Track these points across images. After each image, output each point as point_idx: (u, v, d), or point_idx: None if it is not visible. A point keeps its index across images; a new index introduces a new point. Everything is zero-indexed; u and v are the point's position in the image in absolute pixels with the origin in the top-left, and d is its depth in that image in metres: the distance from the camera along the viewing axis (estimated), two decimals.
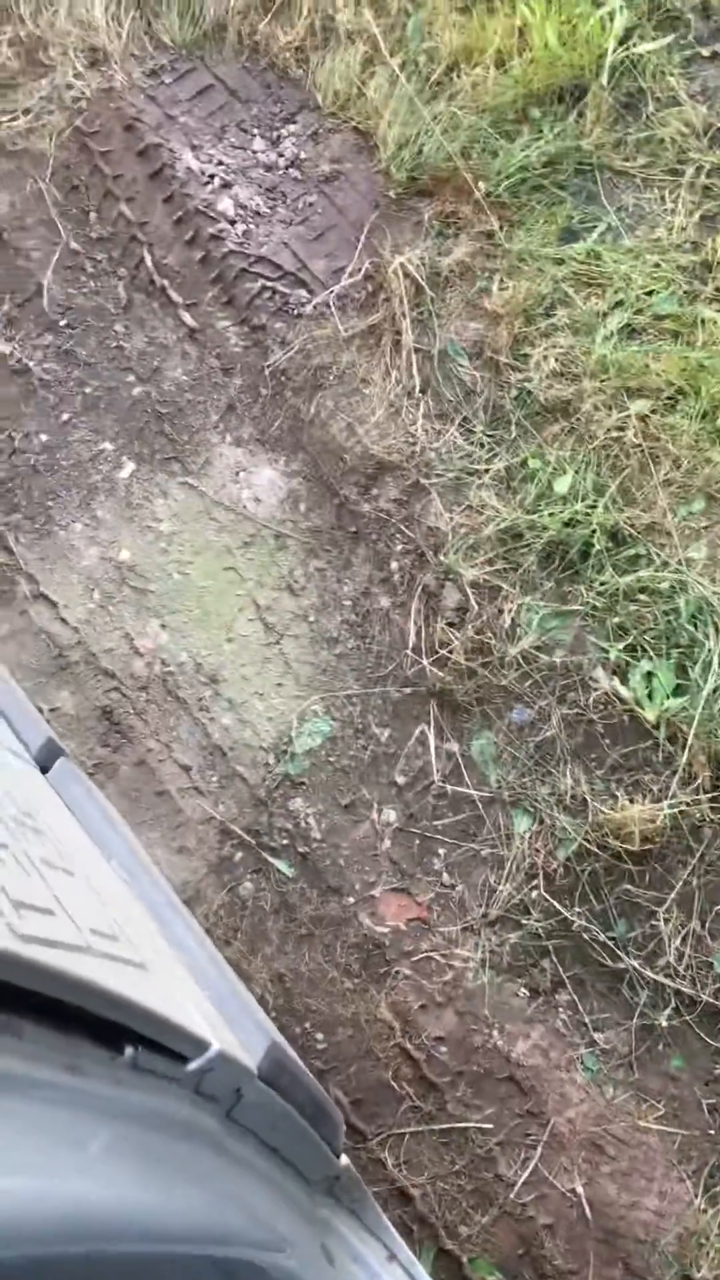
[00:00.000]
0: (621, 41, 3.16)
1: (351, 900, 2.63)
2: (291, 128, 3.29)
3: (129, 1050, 1.10)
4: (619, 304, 2.97)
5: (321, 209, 3.19)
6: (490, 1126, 2.44)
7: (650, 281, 2.98)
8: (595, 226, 3.07)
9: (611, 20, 3.15)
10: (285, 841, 2.68)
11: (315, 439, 3.00)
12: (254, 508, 2.98)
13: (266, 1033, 1.41)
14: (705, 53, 3.21)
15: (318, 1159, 1.63)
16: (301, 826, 2.69)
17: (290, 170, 3.24)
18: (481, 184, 3.08)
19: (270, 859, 2.67)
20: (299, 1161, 1.60)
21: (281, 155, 3.25)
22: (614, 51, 3.13)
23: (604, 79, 3.12)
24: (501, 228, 3.08)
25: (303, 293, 3.11)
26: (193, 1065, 1.21)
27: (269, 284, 3.11)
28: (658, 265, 2.99)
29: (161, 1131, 1.18)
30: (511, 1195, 2.38)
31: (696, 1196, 2.37)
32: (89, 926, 1.10)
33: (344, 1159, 1.70)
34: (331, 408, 3.01)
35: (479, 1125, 2.44)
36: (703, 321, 2.92)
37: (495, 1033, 2.50)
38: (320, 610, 2.88)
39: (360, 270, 3.09)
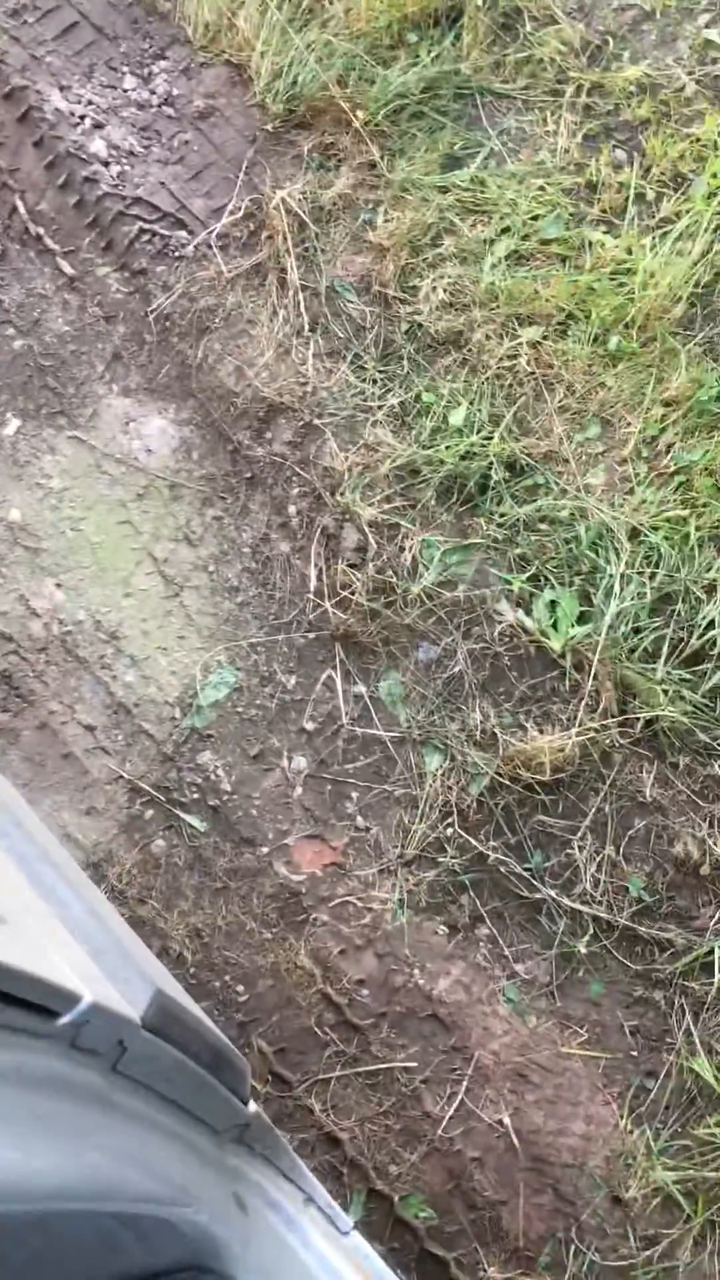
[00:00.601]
0: None
1: (266, 850, 2.59)
2: (162, 64, 3.18)
3: None
4: (505, 230, 2.92)
5: (198, 146, 3.09)
6: (415, 1065, 2.43)
7: (535, 206, 2.93)
8: (478, 152, 3.01)
9: None
10: (196, 796, 2.64)
11: (204, 384, 2.92)
12: (146, 459, 2.90)
13: (150, 981, 1.36)
14: None
15: (222, 1108, 1.59)
16: (211, 779, 2.65)
17: (164, 108, 3.13)
18: (360, 113, 3.00)
19: (181, 814, 2.62)
20: (202, 1111, 1.56)
21: (154, 92, 3.14)
22: None
23: None
24: (383, 157, 3.00)
25: (183, 234, 3.02)
26: (64, 1019, 1.16)
27: (147, 226, 3.01)
28: (542, 189, 2.94)
29: (32, 1089, 1.14)
30: (439, 1131, 2.38)
31: (622, 1118, 2.38)
32: None
33: (253, 1106, 1.67)
34: (219, 351, 2.93)
35: (404, 1064, 2.43)
36: (590, 244, 2.88)
37: (416, 972, 2.49)
38: (219, 559, 2.82)
39: (240, 208, 3.00)
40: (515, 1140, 2.37)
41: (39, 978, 1.11)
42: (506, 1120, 2.38)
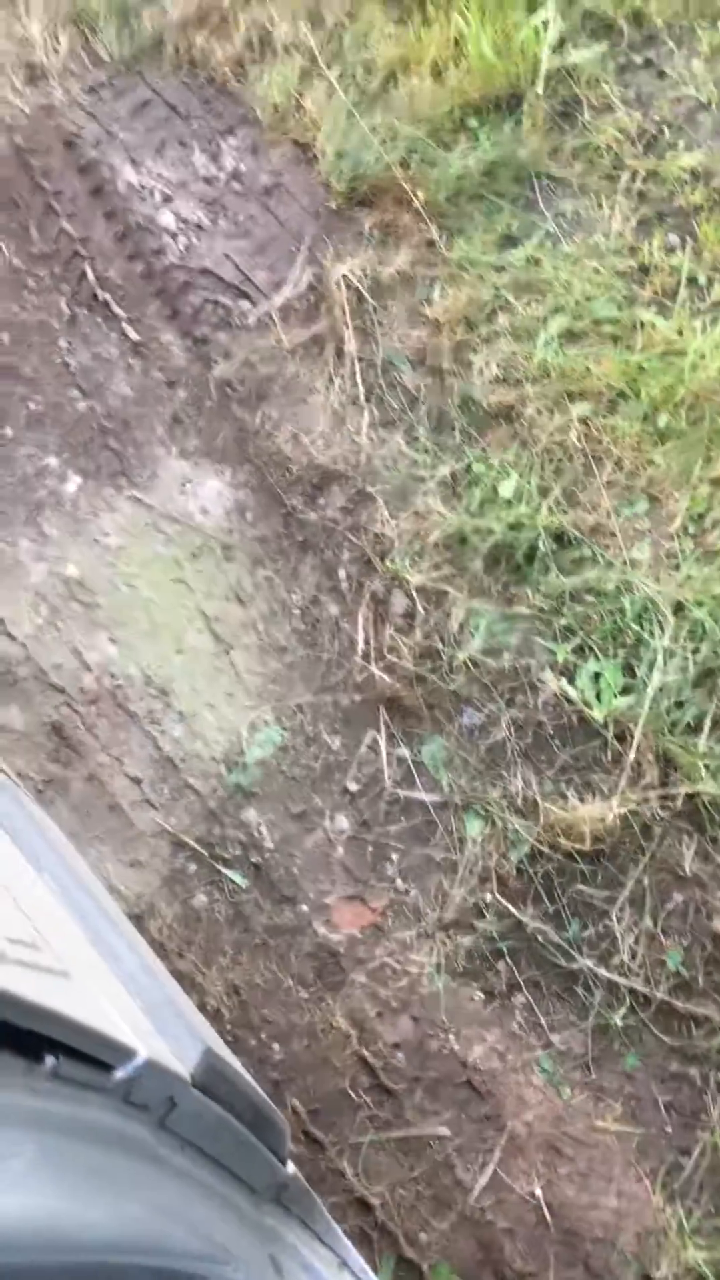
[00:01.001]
0: (555, 50, 3.19)
1: (306, 909, 2.62)
2: (231, 141, 3.31)
3: (49, 1059, 1.09)
4: (559, 309, 3.00)
5: (263, 221, 3.21)
6: (448, 1132, 2.43)
7: (589, 287, 3.00)
8: (534, 233, 3.09)
9: (545, 29, 3.18)
10: (238, 852, 2.68)
11: (261, 449, 3.00)
12: (201, 519, 2.97)
13: (201, 1039, 1.40)
14: (638, 60, 3.25)
15: (262, 1167, 1.62)
16: (254, 836, 2.69)
17: (231, 183, 3.25)
18: (420, 193, 3.10)
19: (223, 870, 2.66)
20: (242, 1170, 1.59)
21: (222, 169, 3.26)
22: (548, 60, 3.16)
23: (539, 87, 3.16)
24: (441, 236, 3.10)
25: (245, 304, 3.12)
26: (119, 1074, 1.20)
27: (211, 296, 3.12)
28: (596, 270, 3.02)
29: (88, 1141, 1.17)
30: (470, 1200, 2.38)
31: (655, 1194, 2.37)
32: (5, 935, 1.09)
33: (290, 1167, 1.69)
34: (276, 418, 3.02)
35: (437, 1131, 2.43)
36: (641, 325, 2.95)
37: (452, 1037, 2.50)
38: (269, 619, 2.88)
39: (302, 281, 3.10)
40: (547, 1213, 2.36)
41: (98, 1032, 1.15)
42: (538, 1192, 2.37)
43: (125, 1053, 1.20)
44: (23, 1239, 0.96)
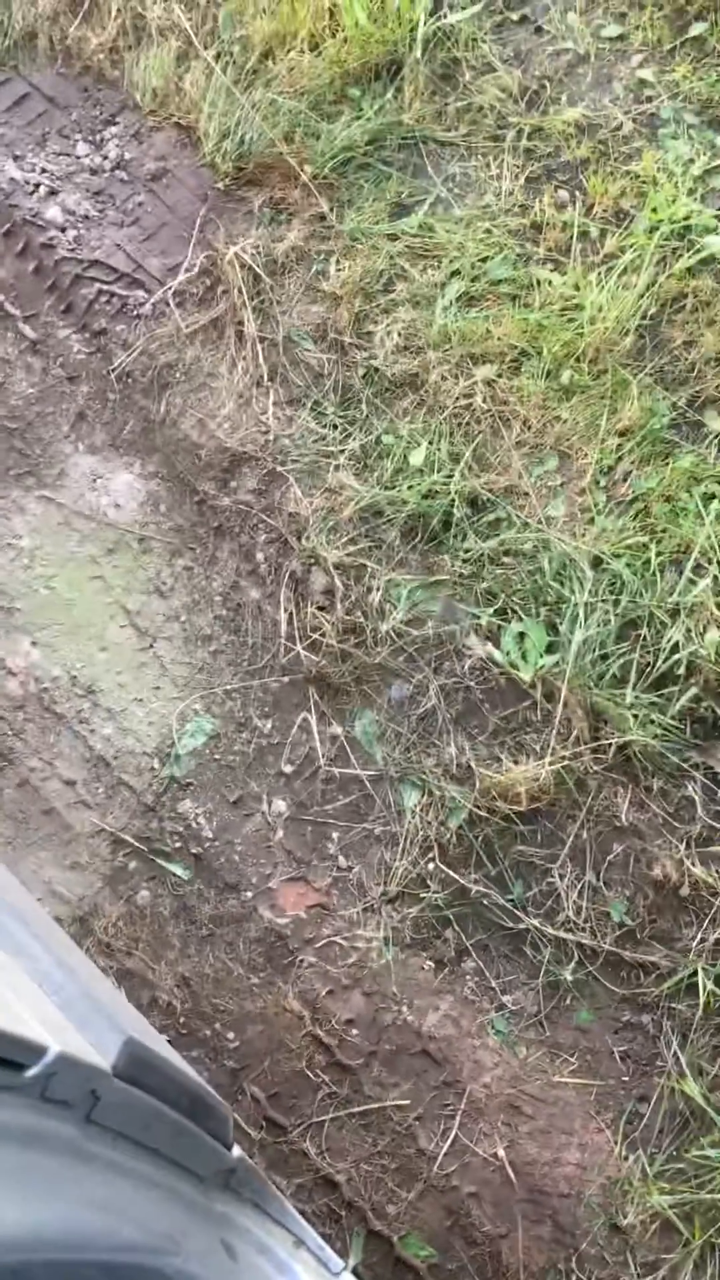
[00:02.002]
0: (431, 13, 3.17)
1: (250, 895, 2.61)
2: (113, 129, 3.26)
3: None
4: (455, 273, 2.98)
5: (151, 207, 3.16)
6: (408, 1103, 2.43)
7: (483, 248, 2.99)
8: (424, 199, 3.08)
9: None
10: (178, 844, 2.65)
11: (168, 438, 2.97)
12: (114, 514, 2.94)
13: (122, 1029, 1.38)
14: (515, 17, 3.24)
15: (205, 1154, 1.60)
16: (193, 827, 2.67)
17: (116, 172, 3.20)
18: (307, 167, 3.07)
19: (164, 864, 2.64)
20: (184, 1159, 1.57)
21: (106, 158, 3.21)
22: (425, 24, 3.13)
23: (418, 52, 3.13)
24: (332, 209, 3.07)
25: (140, 293, 3.08)
26: (31, 1071, 1.18)
27: (105, 287, 3.07)
28: (489, 231, 3.01)
29: (3, 1142, 1.15)
30: (435, 1168, 2.38)
31: (616, 1145, 2.39)
32: None
33: (237, 1150, 1.68)
34: (181, 405, 2.98)
35: (396, 1103, 2.43)
36: (538, 282, 2.94)
37: (404, 1008, 2.50)
38: (191, 609, 2.85)
39: (195, 265, 3.07)
40: (511, 1173, 2.37)
41: (2, 1031, 1.13)
42: (501, 1153, 2.38)
43: (35, 1050, 1.18)
44: None
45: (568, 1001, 2.50)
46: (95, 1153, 1.33)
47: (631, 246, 2.93)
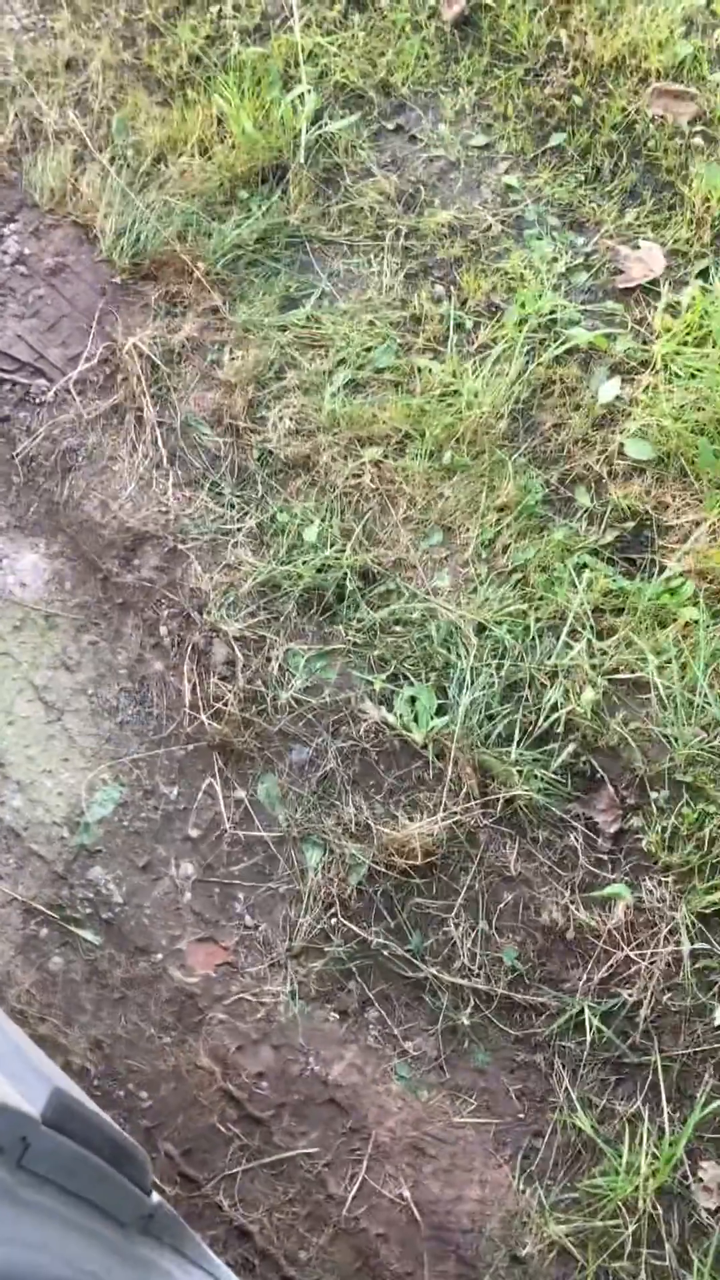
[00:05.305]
0: (314, 122, 3.41)
1: (160, 957, 2.71)
2: (13, 226, 3.41)
3: None
4: (342, 362, 3.19)
5: (51, 300, 3.32)
6: (317, 1150, 2.54)
7: (367, 339, 3.21)
8: (311, 293, 3.29)
9: (302, 103, 3.40)
10: (89, 910, 2.74)
11: (72, 519, 3.10)
12: (20, 592, 3.05)
13: (49, 1080, 1.49)
14: (390, 126, 3.50)
15: (126, 1199, 1.70)
16: (103, 893, 2.76)
17: (16, 266, 3.36)
18: (200, 264, 3.27)
19: (76, 930, 2.72)
20: (107, 1204, 1.66)
21: (6, 253, 3.36)
22: (307, 132, 3.37)
23: (301, 158, 3.37)
24: (224, 302, 3.26)
25: (42, 382, 3.22)
26: None
27: (8, 376, 3.21)
28: (372, 323, 3.23)
29: None
30: (344, 1212, 2.49)
31: (514, 1179, 2.53)
32: None
33: (155, 1197, 1.77)
34: (84, 487, 3.12)
35: (306, 1151, 2.54)
36: (419, 370, 3.17)
37: (311, 1059, 2.61)
38: (97, 682, 2.97)
39: (95, 354, 3.23)
40: (416, 1212, 2.49)
41: None
42: (406, 1194, 2.50)
43: None
44: None
45: (465, 1045, 2.64)
46: (25, 1197, 1.43)
47: (503, 337, 3.18)
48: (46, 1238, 1.46)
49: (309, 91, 3.40)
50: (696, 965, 2.66)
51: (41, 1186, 1.47)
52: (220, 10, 3.58)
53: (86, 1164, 1.56)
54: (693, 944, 2.65)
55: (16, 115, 3.45)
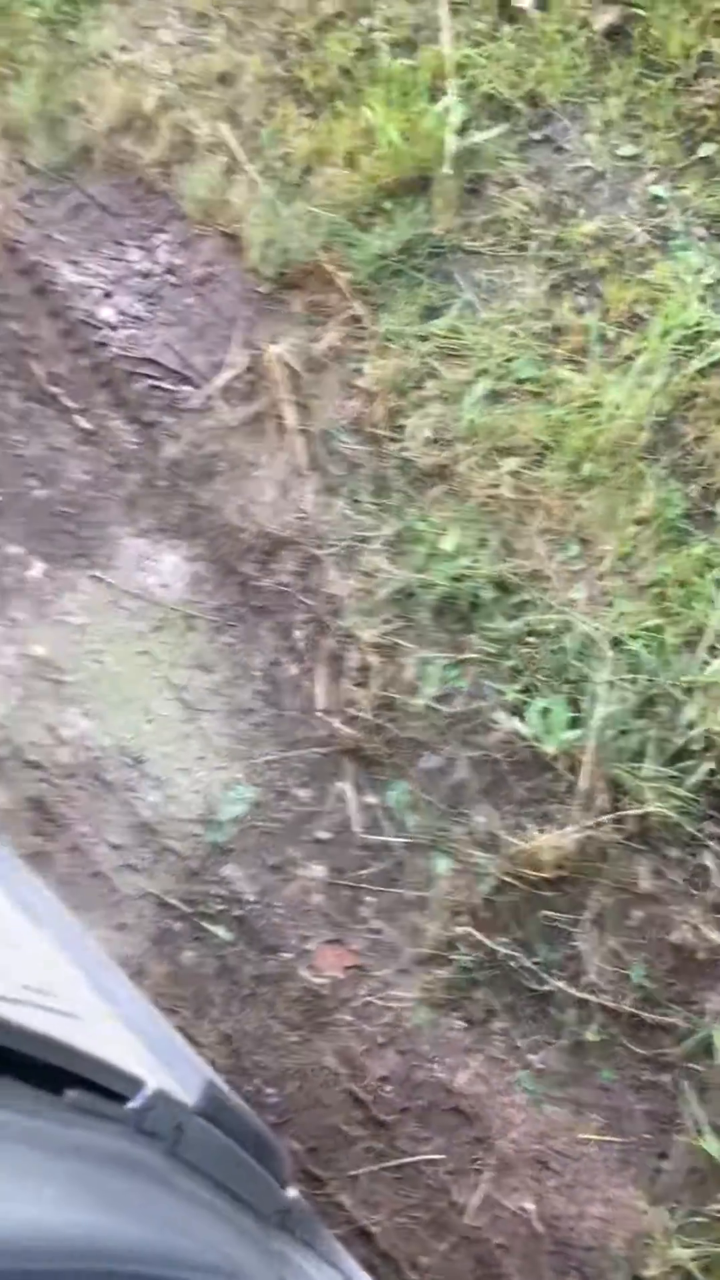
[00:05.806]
0: (459, 133, 3.43)
1: (289, 956, 2.75)
2: (163, 236, 3.51)
3: (70, 1093, 1.22)
4: (482, 372, 3.20)
5: (198, 309, 3.40)
6: (440, 1157, 2.56)
7: (509, 349, 3.22)
8: (453, 303, 3.31)
9: (448, 115, 3.42)
10: (221, 907, 2.80)
11: (212, 523, 3.17)
12: (161, 593, 3.13)
13: (202, 1073, 1.53)
14: (536, 136, 3.50)
15: (266, 1193, 1.74)
16: (234, 891, 2.82)
17: (166, 276, 3.45)
18: (344, 274, 3.31)
19: (208, 925, 2.79)
20: (247, 1195, 1.70)
21: (156, 263, 3.46)
22: (453, 143, 3.39)
23: (446, 168, 3.38)
24: (366, 312, 3.30)
25: (188, 388, 3.30)
26: (132, 1104, 1.33)
27: (155, 383, 3.30)
28: (514, 334, 3.24)
29: (105, 1166, 1.30)
30: (466, 1220, 2.50)
31: (639, 1199, 2.50)
32: (22, 983, 1.23)
33: (292, 1191, 1.81)
34: (225, 492, 3.19)
35: (429, 1157, 2.56)
36: (559, 382, 3.16)
37: (436, 1066, 2.63)
38: (233, 683, 3.03)
39: (239, 362, 3.30)
40: (539, 1225, 2.48)
41: (112, 1065, 1.28)
42: (529, 1206, 2.50)
43: (136, 1084, 1.33)
44: (44, 1245, 1.08)
45: (591, 1061, 2.63)
46: (178, 1183, 1.47)
47: (646, 349, 3.15)
48: (196, 1225, 1.50)
49: (456, 103, 3.42)
50: None
51: (191, 1174, 1.51)
52: (370, 24, 3.62)
53: (233, 1155, 1.60)
54: None
55: (169, 129, 3.54)
